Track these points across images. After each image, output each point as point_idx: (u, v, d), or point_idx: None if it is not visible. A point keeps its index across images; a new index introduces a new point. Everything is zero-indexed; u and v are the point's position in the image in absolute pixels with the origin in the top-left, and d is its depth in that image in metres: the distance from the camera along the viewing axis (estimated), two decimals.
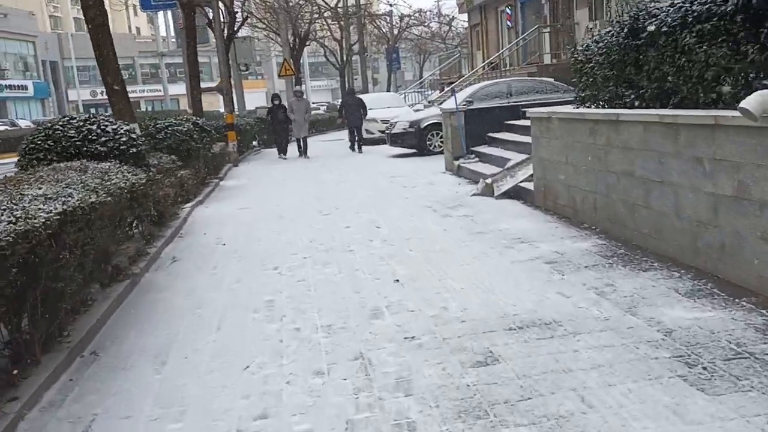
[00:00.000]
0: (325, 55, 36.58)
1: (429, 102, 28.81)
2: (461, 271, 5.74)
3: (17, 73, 50.13)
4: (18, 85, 49.24)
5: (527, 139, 10.62)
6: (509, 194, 9.05)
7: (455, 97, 12.65)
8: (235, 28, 21.60)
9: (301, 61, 64.90)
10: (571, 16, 21.33)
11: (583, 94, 7.55)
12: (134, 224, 7.54)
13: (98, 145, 6.90)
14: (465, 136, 12.09)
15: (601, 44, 6.98)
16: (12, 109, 48.99)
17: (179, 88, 51.84)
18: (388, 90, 37.10)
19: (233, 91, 21.58)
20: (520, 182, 8.93)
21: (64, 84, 58.00)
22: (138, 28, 68.17)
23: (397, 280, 5.64)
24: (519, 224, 7.37)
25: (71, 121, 7.02)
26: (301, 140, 18.48)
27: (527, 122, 11.65)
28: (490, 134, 12.10)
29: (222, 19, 20.49)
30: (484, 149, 11.85)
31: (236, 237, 8.20)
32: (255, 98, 49.34)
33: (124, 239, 7.00)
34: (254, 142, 22.59)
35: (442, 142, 16.05)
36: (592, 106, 7.32)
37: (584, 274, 5.34)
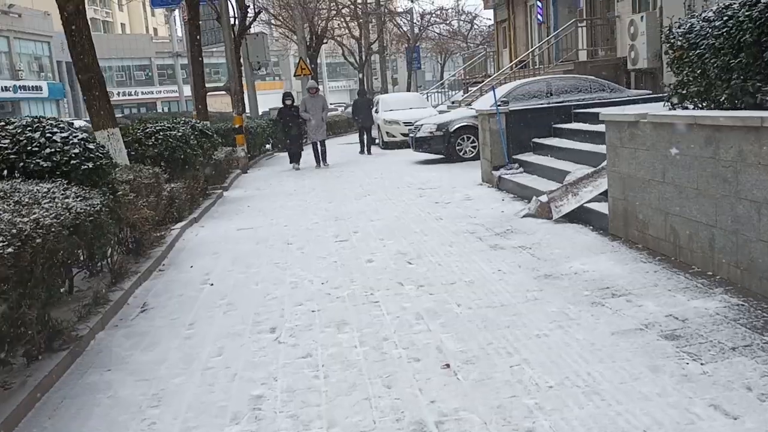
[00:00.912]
0: (343, 55, 34.78)
1: (453, 102, 26.94)
2: (540, 350, 3.85)
3: (32, 74, 48.89)
4: (32, 86, 47.99)
5: (585, 146, 8.72)
6: (572, 217, 7.15)
7: (494, 95, 10.74)
8: (247, 24, 19.86)
9: (319, 60, 63.31)
10: (611, 8, 19.33)
11: (684, 91, 5.63)
12: (96, 260, 5.75)
13: (40, 159, 5.10)
14: (506, 142, 10.19)
15: (718, 23, 5.06)
16: (26, 111, 47.76)
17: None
18: (408, 90, 35.24)
19: (244, 91, 19.84)
20: (587, 202, 7.02)
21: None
22: (156, 29, 66.83)
23: (448, 365, 3.77)
24: (599, 264, 5.46)
25: (6, 126, 5.23)
26: (318, 145, 15.61)
27: (581, 125, 9.78)
28: (536, 140, 10.19)
29: (232, 14, 18.76)
30: (529, 158, 9.94)
31: (229, 273, 6.37)
32: (272, 99, 47.80)
33: (68, 287, 5.21)
34: (267, 146, 20.82)
35: (473, 147, 14.17)
36: (701, 106, 5.41)
37: (736, 365, 3.43)
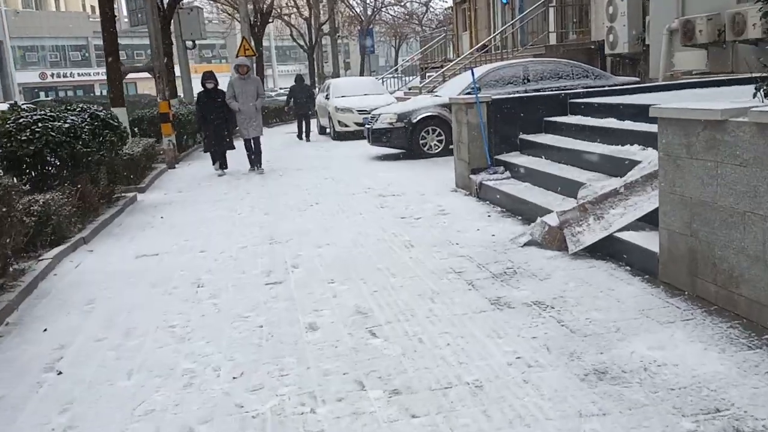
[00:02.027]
0: (291, 36, 32.15)
1: (410, 88, 24.78)
2: None
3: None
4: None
5: (594, 147, 6.65)
6: (594, 248, 5.09)
7: (473, 79, 8.57)
8: None
9: (267, 43, 60.14)
10: None
11: None
12: None
13: None
14: (488, 139, 8.07)
15: None
16: None
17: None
18: (361, 75, 32.90)
19: (173, 73, 17.21)
20: (618, 231, 4.97)
21: (13, 65, 52.34)
22: (93, 7, 62.35)
23: None
24: (677, 348, 3.37)
25: None
26: (252, 143, 11.92)
27: (583, 119, 7.72)
28: (524, 136, 8.10)
29: None
30: (516, 159, 7.85)
31: (94, 350, 4.06)
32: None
33: None
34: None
35: (440, 141, 12.06)
36: None
37: None
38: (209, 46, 60.18)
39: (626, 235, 4.88)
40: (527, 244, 5.54)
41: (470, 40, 25.00)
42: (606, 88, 8.94)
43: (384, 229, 6.62)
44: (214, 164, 12.11)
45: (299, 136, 18.02)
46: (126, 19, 44.68)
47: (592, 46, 16.66)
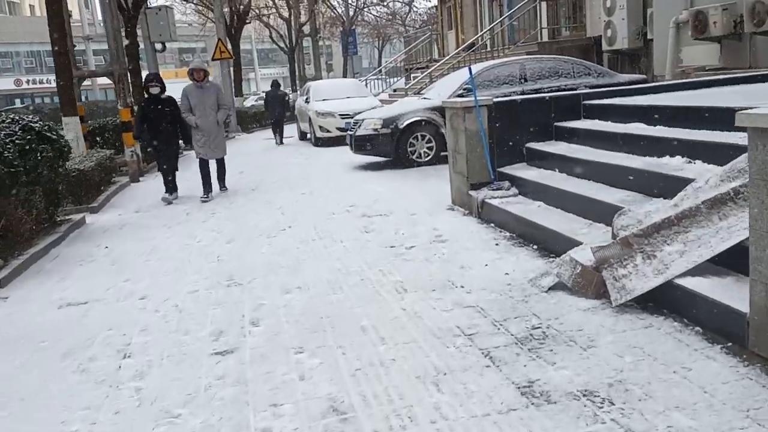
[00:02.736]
0: (271, 37, 30.73)
1: (395, 90, 23.51)
2: None
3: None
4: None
5: (624, 160, 5.38)
6: (646, 299, 3.83)
7: (471, 81, 7.26)
8: None
9: (249, 46, 58.58)
10: None
11: None
12: None
13: None
14: (490, 148, 6.79)
15: None
16: None
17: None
18: (344, 77, 31.59)
19: (140, 77, 15.79)
20: (679, 277, 3.70)
21: None
22: (71, 11, 60.48)
23: None
24: None
25: None
26: (207, 165, 9.52)
27: (604, 125, 6.44)
28: (531, 145, 6.83)
29: None
30: (523, 172, 6.57)
31: None
32: None
33: None
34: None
35: (429, 148, 10.78)
36: None
37: None
38: (189, 50, 58.58)
39: (692, 283, 3.62)
40: (553, 288, 4.26)
41: (456, 39, 23.78)
42: (623, 87, 7.70)
43: (369, 263, 5.31)
44: (166, 191, 9.61)
45: (276, 142, 17.98)
46: (102, 24, 43.07)
47: (588, 42, 15.48)
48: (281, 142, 17.86)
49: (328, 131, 15.71)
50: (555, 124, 6.87)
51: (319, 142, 15.97)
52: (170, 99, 9.41)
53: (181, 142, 9.99)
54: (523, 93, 10.69)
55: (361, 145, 11.02)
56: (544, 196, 5.93)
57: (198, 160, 9.57)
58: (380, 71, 29.92)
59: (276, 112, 18.23)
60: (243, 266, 5.62)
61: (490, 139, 6.82)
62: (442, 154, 10.63)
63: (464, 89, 10.69)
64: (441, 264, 5.10)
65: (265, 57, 65.28)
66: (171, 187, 9.62)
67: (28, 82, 50.84)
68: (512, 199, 6.27)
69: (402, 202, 7.81)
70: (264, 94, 22.57)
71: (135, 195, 10.54)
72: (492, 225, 6.23)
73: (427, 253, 5.46)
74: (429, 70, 17.17)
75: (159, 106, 9.21)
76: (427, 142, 10.74)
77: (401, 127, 10.67)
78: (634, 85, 8.50)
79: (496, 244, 5.53)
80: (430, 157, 10.73)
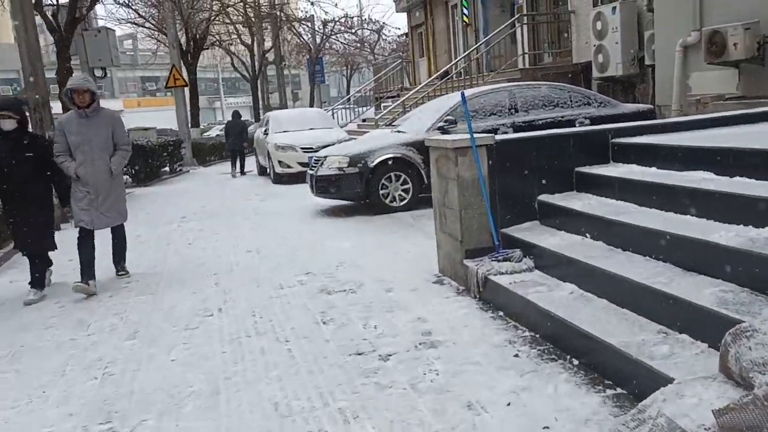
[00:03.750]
0: (232, 64, 28.83)
1: (363, 120, 21.79)
2: None
3: None
4: None
5: (698, 227, 3.55)
6: None
7: (466, 112, 5.41)
8: (80, 14, 13.83)
9: (215, 75, 56.61)
10: (565, 1, 14.78)
11: None
12: None
13: None
14: (491, 202, 4.97)
15: None
16: None
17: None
18: (311, 106, 29.84)
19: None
20: None
21: None
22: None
23: None
24: None
25: None
26: (113, 236, 6.59)
27: (647, 172, 4.52)
28: (547, 198, 5.02)
29: None
30: (541, 237, 4.71)
31: None
32: (165, 117, 40.81)
33: None
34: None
35: (405, 191, 8.97)
36: None
37: None
38: (153, 78, 56.36)
39: None
40: None
41: (428, 67, 22.26)
42: (656, 123, 5.96)
43: (324, 395, 3.38)
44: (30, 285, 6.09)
45: (233, 174, 17.20)
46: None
47: (575, 69, 13.96)
48: (242, 173, 17.19)
49: (288, 167, 13.82)
50: (576, 169, 5.09)
51: (279, 179, 14.06)
52: (35, 138, 6.21)
53: (58, 201, 6.51)
54: (513, 126, 9.00)
55: (323, 187, 9.15)
56: (577, 275, 4.10)
57: (79, 231, 6.05)
58: (348, 100, 28.24)
59: (233, 143, 17.38)
60: (133, 392, 3.65)
61: (492, 188, 5.00)
62: (422, 195, 8.85)
63: (444, 121, 8.96)
64: (435, 398, 3.21)
65: (231, 86, 63.34)
66: (37, 278, 6.04)
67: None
68: (527, 277, 4.43)
69: (374, 267, 5.94)
70: (225, 124, 21.24)
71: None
72: (500, 314, 4.37)
73: (413, 371, 3.56)
74: (401, 99, 15.45)
75: (15, 150, 5.82)
76: (402, 184, 8.92)
77: (371, 165, 8.84)
78: (675, 120, 6.81)
79: (516, 355, 3.66)
80: (406, 201, 8.91)
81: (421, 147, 8.92)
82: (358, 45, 34.36)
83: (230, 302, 5.29)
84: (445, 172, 5.20)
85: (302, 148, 13.66)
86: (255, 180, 15.67)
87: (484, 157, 4.98)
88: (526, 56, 15.42)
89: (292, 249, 7.13)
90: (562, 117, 9.19)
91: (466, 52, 16.57)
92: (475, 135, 4.97)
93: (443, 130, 8.95)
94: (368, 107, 24.04)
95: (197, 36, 22.36)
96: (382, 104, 22.65)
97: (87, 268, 5.99)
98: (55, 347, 4.62)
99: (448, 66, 17.22)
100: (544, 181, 5.08)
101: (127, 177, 16.29)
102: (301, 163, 13.61)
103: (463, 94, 5.38)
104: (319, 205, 10.01)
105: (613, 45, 12.17)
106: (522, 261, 4.63)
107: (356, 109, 24.93)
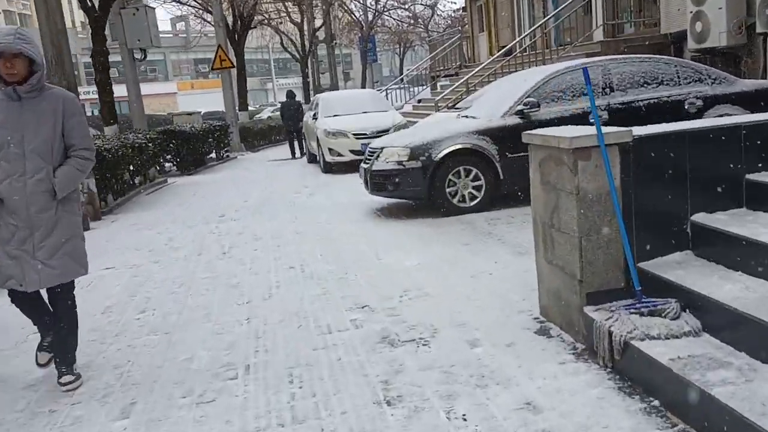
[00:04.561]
0: (282, 44, 27.55)
1: (419, 101, 20.22)
2: None
3: None
4: None
5: None
6: None
7: (591, 95, 3.84)
8: None
9: (267, 56, 55.65)
10: None
11: None
12: None
13: None
14: (628, 228, 3.45)
15: None
16: None
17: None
18: (363, 87, 28.36)
19: (109, 92, 12.64)
20: None
21: None
22: (82, 23, 58.18)
23: None
24: None
25: None
26: (56, 304, 3.77)
27: None
28: (702, 219, 3.47)
29: None
30: (709, 284, 3.16)
31: None
32: (213, 100, 40.05)
33: None
34: (153, 170, 13.68)
35: (476, 188, 7.47)
36: None
37: None
38: (205, 60, 55.86)
39: None
40: None
41: (489, 42, 20.45)
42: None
43: None
44: None
45: (293, 156, 16.82)
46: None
47: (663, 40, 12.05)
48: (301, 155, 16.64)
49: (339, 155, 12.47)
50: (748, 177, 3.51)
51: (329, 168, 12.74)
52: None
53: None
54: (609, 109, 7.36)
55: (379, 184, 7.72)
56: None
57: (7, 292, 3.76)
58: (401, 80, 26.61)
59: (290, 123, 16.87)
60: None
61: (627, 207, 3.47)
62: (495, 194, 7.36)
63: (524, 104, 7.39)
64: None
65: (283, 66, 62.44)
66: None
67: None
68: (695, 347, 2.90)
69: (448, 298, 4.50)
70: (280, 105, 20.51)
71: None
72: (655, 403, 2.86)
73: None
74: (464, 78, 13.80)
75: None
76: (473, 180, 7.41)
77: (436, 158, 7.35)
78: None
79: None
80: (477, 200, 7.41)
81: (495, 135, 7.41)
82: (412, 22, 32.58)
83: (262, 353, 3.95)
84: (554, 182, 3.68)
85: (354, 135, 12.28)
86: (304, 168, 14.40)
87: (616, 162, 3.44)
88: (601, 28, 13.54)
89: (342, 266, 5.74)
90: (669, 97, 7.50)
91: (537, 25, 14.75)
92: (605, 130, 3.43)
93: (523, 115, 7.41)
94: (424, 87, 22.43)
95: (244, 14, 21.14)
96: (439, 83, 21.01)
97: (59, 350, 3.79)
98: (30, 418, 3.39)
99: (513, 42, 15.42)
100: (698, 195, 3.51)
101: (171, 165, 15.28)
102: (353, 151, 12.26)
103: (585, 70, 3.80)
104: (374, 203, 8.62)
105: (716, 10, 10.26)
106: (680, 317, 3.11)
107: (411, 89, 23.34)
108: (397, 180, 7.53)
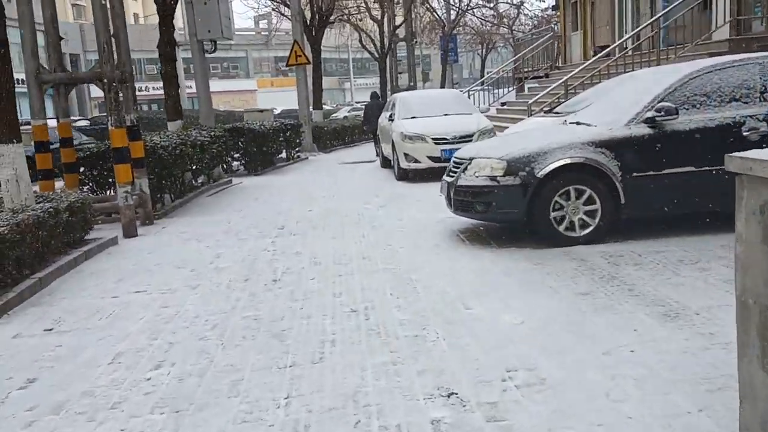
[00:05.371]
0: (360, 41, 26.40)
1: (503, 104, 18.60)
2: None
3: (22, 65, 41.71)
4: (21, 79, 40.77)
5: None
6: None
7: None
8: None
9: (346, 55, 54.88)
10: None
11: None
12: None
13: None
14: None
15: None
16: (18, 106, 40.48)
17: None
18: (442, 87, 26.83)
19: (175, 86, 11.70)
20: None
21: None
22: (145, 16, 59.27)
23: None
24: None
25: None
26: None
27: None
28: None
29: None
30: None
31: None
32: (287, 98, 39.49)
33: None
34: (219, 169, 12.70)
35: (590, 213, 5.89)
36: None
37: None
38: (285, 59, 55.81)
39: None
40: None
41: (583, 42, 18.56)
42: None
43: None
44: None
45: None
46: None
47: None
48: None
49: (416, 161, 11.07)
50: None
51: (404, 175, 11.37)
52: None
53: None
54: None
55: (466, 203, 6.25)
56: None
57: None
58: (483, 82, 24.92)
59: (373, 124, 15.62)
60: None
61: None
62: (613, 222, 5.78)
63: (656, 110, 5.77)
64: None
65: (361, 66, 61.66)
66: None
67: None
68: None
69: (577, 396, 3.01)
70: (363, 106, 19.85)
71: (107, 272, 6.27)
72: None
73: None
74: (563, 79, 12.10)
75: None
76: (586, 203, 5.83)
77: (540, 175, 5.81)
78: None
79: None
80: (590, 229, 5.83)
81: (617, 148, 5.83)
82: (496, 21, 30.79)
83: None
84: None
85: (434, 139, 10.87)
86: (376, 173, 13.09)
87: None
88: (731, 24, 11.54)
89: (419, 315, 4.33)
90: None
91: (648, 22, 12.84)
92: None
93: (654, 124, 5.79)
94: (508, 89, 20.73)
95: (322, 8, 20.08)
96: (527, 85, 19.29)
97: None
98: None
99: (621, 40, 13.55)
100: None
101: (238, 164, 14.33)
102: (431, 158, 10.87)
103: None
104: (456, 222, 7.16)
105: None
106: None
107: (493, 92, 21.68)
108: (489, 199, 6.04)
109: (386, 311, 4.47)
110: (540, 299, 4.47)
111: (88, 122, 28.46)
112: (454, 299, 4.63)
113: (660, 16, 12.81)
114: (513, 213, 5.99)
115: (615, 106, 6.41)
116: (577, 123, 6.60)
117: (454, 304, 4.53)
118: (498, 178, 5.97)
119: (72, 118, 40.20)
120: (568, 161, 5.82)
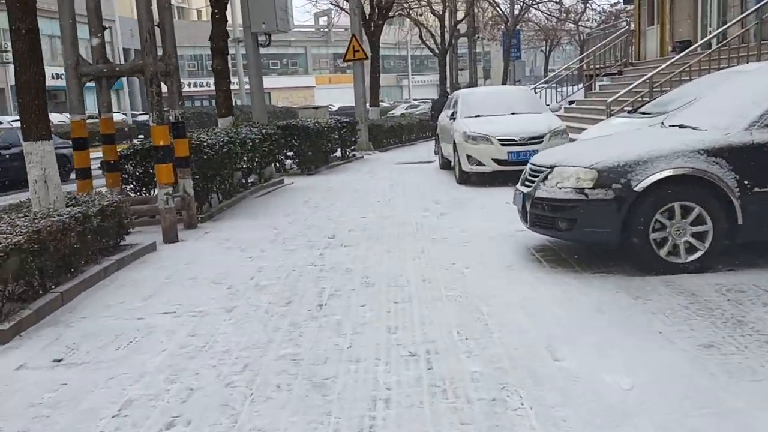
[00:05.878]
0: (420, 37, 25.44)
1: (571, 103, 17.37)
2: None
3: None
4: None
5: None
6: None
7: None
8: None
9: (405, 52, 53.99)
10: None
11: None
12: None
13: None
14: None
15: None
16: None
17: (265, 81, 41.19)
18: (504, 85, 25.61)
19: (226, 81, 11.08)
20: None
21: None
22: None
23: None
24: None
25: None
26: None
27: None
28: None
29: None
30: None
31: None
32: (347, 94, 38.91)
33: None
34: (271, 168, 12.04)
35: (699, 236, 4.78)
36: None
37: None
38: (340, 56, 55.45)
39: None
40: None
41: (660, 37, 17.09)
42: None
43: None
44: None
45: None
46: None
47: None
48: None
49: (480, 164, 10.11)
50: None
51: (466, 179, 10.42)
52: None
53: None
54: None
55: (545, 218, 5.28)
56: None
57: None
58: (547, 81, 23.56)
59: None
60: None
61: None
62: (727, 245, 4.72)
63: (757, 120, 4.66)
64: None
65: (419, 63, 60.67)
66: None
67: (189, 85, 50.08)
68: None
69: None
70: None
71: (139, 285, 5.62)
72: None
73: None
74: (649, 75, 10.85)
75: None
76: (694, 223, 4.78)
77: (638, 188, 4.79)
78: None
79: None
80: (698, 255, 4.77)
81: (734, 157, 4.75)
82: (561, 17, 29.28)
83: None
84: None
85: (500, 140, 9.88)
86: (436, 176, 12.16)
87: None
88: None
89: (494, 367, 3.42)
90: None
91: (745, 13, 11.44)
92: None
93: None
94: (576, 87, 19.41)
95: (382, 2, 19.24)
96: (598, 83, 17.97)
97: None
98: None
99: (712, 35, 12.17)
100: None
101: (291, 163, 13.66)
102: (496, 161, 9.90)
103: None
104: (528, 237, 6.19)
105: None
106: None
107: (559, 89, 20.38)
108: (574, 215, 5.06)
109: (453, 357, 3.59)
110: (649, 351, 3.49)
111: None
112: (536, 343, 3.71)
113: (758, 7, 11.37)
114: (603, 233, 4.99)
115: (728, 106, 5.31)
116: (681, 126, 5.53)
117: (538, 350, 3.61)
118: (586, 191, 4.98)
119: (134, 112, 40.52)
120: (674, 172, 4.78)
